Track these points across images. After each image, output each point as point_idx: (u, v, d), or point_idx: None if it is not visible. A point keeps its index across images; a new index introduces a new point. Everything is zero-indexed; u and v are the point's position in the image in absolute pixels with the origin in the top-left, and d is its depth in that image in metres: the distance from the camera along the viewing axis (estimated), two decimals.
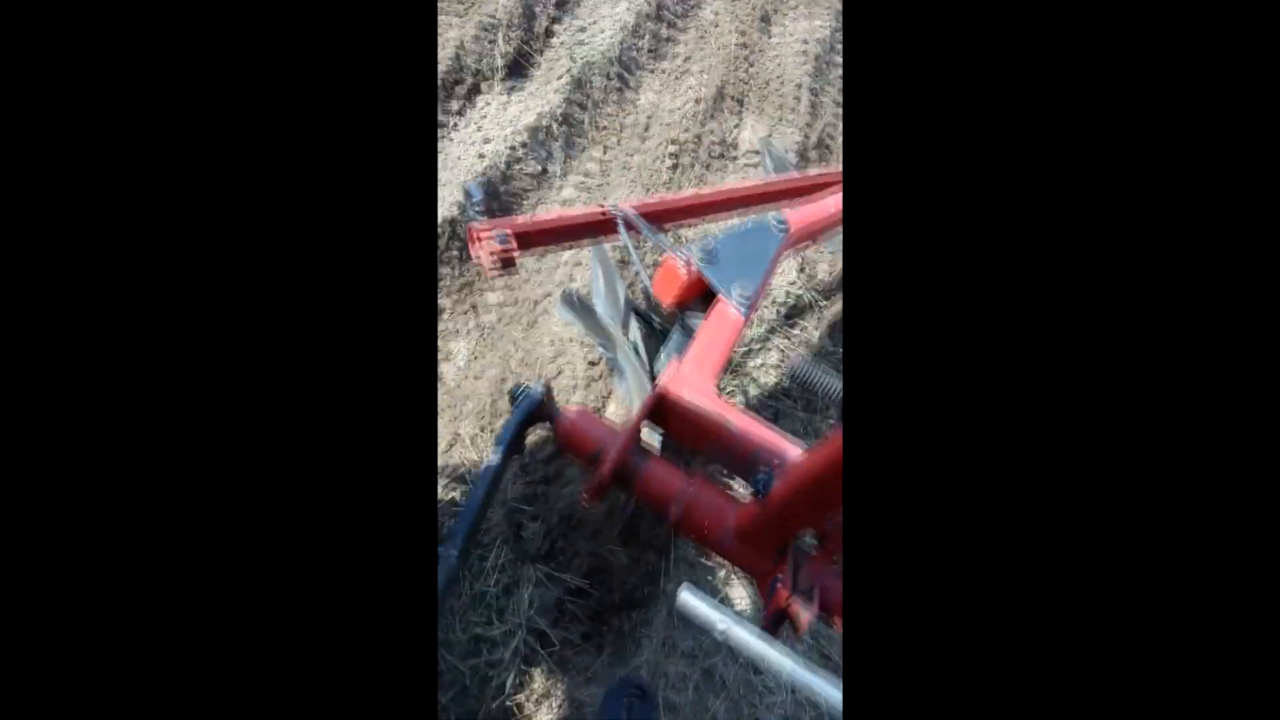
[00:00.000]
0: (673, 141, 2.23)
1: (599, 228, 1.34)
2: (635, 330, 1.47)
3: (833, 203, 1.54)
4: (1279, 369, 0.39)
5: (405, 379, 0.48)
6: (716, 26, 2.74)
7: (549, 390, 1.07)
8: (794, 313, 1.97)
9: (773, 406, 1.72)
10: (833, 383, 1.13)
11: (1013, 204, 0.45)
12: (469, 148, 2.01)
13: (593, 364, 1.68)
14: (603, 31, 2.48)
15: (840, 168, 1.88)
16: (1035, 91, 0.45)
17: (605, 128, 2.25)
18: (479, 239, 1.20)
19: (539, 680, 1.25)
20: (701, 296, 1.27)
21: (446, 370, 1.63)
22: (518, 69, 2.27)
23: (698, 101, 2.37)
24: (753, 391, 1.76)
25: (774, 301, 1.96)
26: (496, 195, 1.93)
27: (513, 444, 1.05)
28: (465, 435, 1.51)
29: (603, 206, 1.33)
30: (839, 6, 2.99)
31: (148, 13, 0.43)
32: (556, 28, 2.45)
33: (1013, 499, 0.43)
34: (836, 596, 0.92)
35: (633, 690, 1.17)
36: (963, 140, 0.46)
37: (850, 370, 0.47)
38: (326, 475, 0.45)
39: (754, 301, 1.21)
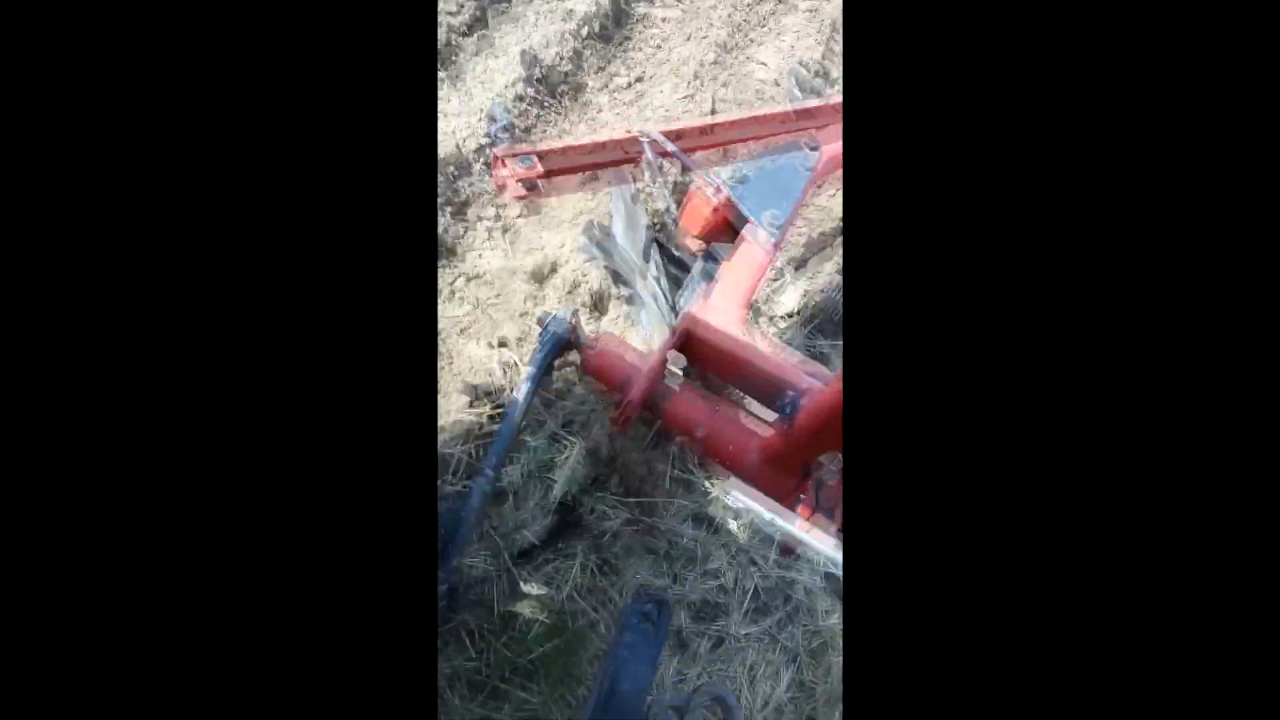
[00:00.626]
0: None
1: (626, 150, 1.30)
2: (657, 261, 1.46)
3: None
4: (1277, 369, 0.38)
5: (404, 338, 0.47)
6: None
7: (576, 318, 1.08)
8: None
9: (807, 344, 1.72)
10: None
11: (1013, 144, 0.43)
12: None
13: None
14: None
15: None
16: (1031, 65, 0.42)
17: None
18: (504, 164, 1.18)
19: None
20: (729, 226, 1.25)
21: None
22: None
23: None
24: (783, 325, 1.75)
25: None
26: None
27: (541, 372, 1.07)
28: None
29: (629, 129, 1.29)
30: None
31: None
32: None
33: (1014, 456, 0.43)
34: None
35: (650, 603, 1.25)
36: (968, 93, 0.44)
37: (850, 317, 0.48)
38: (327, 433, 0.44)
39: (785, 228, 1.18)
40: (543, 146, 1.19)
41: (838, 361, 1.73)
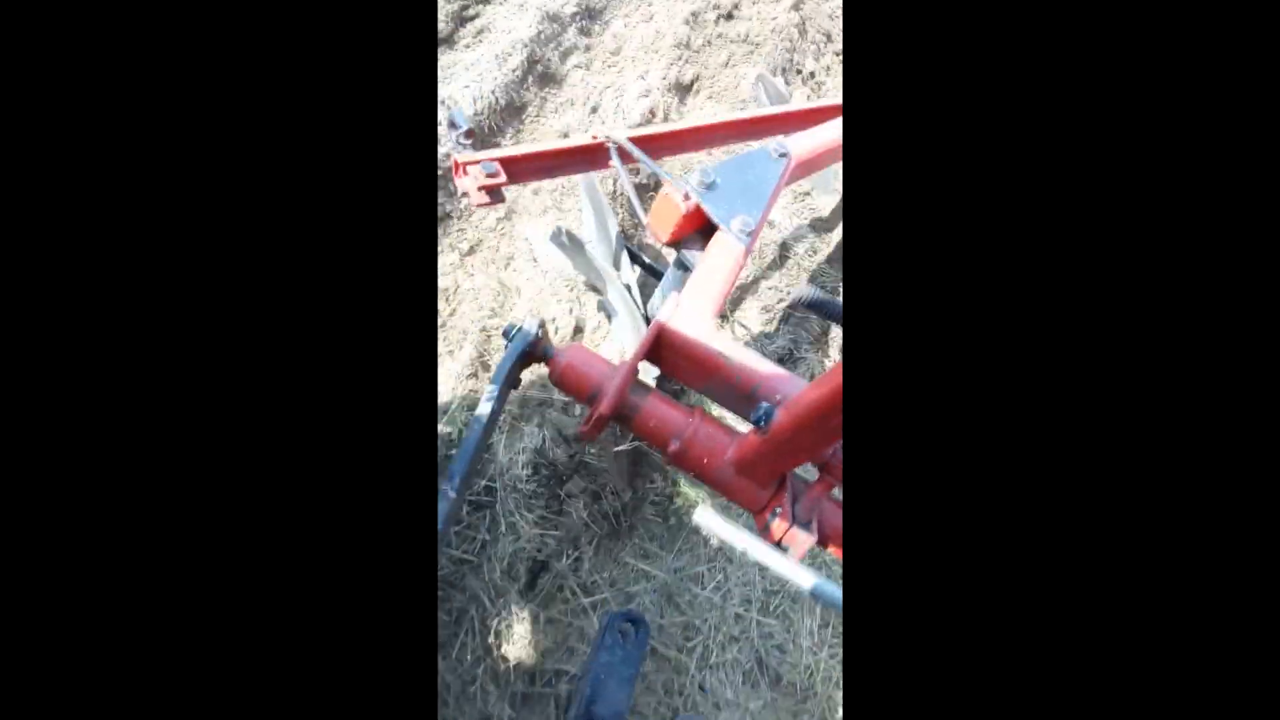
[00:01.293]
0: None
1: (591, 156, 1.27)
2: (628, 268, 1.43)
3: (833, 131, 1.48)
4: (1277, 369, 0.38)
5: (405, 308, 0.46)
6: None
7: (544, 328, 1.05)
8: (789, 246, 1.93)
9: (781, 345, 1.71)
10: (836, 302, 1.12)
11: (1009, 129, 0.42)
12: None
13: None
14: None
15: (836, 99, 1.79)
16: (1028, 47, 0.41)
17: None
18: (465, 171, 1.14)
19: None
20: (699, 231, 1.23)
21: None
22: None
23: None
24: (756, 329, 1.74)
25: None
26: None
27: (508, 383, 1.03)
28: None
29: (596, 135, 1.26)
30: None
31: None
32: None
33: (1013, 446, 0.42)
34: (834, 525, 0.94)
35: (627, 621, 1.21)
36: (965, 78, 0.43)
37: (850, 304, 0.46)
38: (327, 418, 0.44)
39: (755, 233, 1.17)
40: (505, 153, 1.15)
41: (815, 360, 1.73)
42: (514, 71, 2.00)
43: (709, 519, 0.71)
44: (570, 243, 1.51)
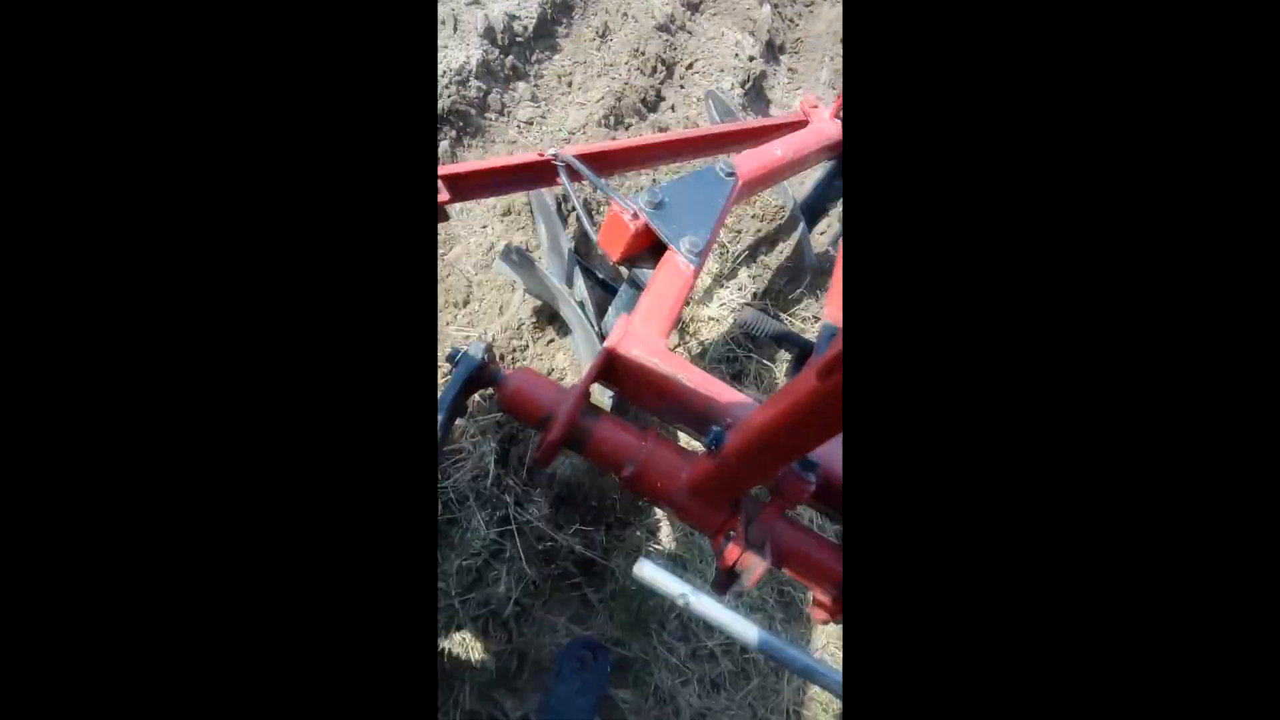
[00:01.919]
0: None
1: (538, 174, 1.25)
2: (581, 285, 1.41)
3: (781, 149, 1.50)
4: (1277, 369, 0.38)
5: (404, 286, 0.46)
6: None
7: (490, 352, 1.01)
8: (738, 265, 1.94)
9: (728, 364, 1.71)
10: (780, 328, 1.13)
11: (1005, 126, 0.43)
12: None
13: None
14: None
15: (784, 115, 1.83)
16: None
17: None
18: None
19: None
20: (650, 249, 1.22)
21: None
22: None
23: None
24: (707, 344, 1.74)
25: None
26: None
27: (453, 410, 0.99)
28: None
29: (542, 152, 1.24)
30: None
31: None
32: None
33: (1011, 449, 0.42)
34: (789, 546, 0.94)
35: (585, 649, 1.18)
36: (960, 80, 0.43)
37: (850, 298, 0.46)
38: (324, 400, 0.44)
39: (704, 252, 1.17)
40: (449, 170, 1.12)
41: (768, 378, 1.74)
42: None
43: (649, 571, 0.68)
44: (520, 260, 1.47)
